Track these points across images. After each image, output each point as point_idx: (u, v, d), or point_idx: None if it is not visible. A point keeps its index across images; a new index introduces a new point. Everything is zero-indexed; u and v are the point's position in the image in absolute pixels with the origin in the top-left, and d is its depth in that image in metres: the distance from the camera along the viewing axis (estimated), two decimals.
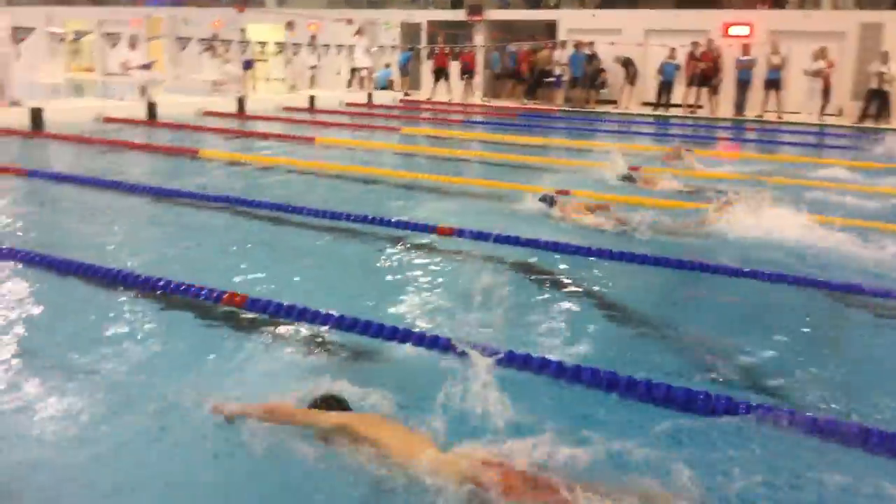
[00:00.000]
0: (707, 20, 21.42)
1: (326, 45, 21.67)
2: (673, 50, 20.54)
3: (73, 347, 3.89)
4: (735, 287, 5.35)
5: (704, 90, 20.39)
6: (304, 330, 4.17)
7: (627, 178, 9.04)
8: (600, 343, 4.25)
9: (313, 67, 22.05)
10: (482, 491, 2.60)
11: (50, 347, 3.92)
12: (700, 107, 20.59)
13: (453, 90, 23.18)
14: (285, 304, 4.38)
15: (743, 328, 4.65)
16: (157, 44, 23.96)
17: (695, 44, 20.24)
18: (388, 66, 24.06)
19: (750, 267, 5.50)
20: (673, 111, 20.75)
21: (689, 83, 20.48)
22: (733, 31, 21.32)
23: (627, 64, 21.46)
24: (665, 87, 20.86)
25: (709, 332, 4.57)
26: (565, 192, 7.87)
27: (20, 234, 6.14)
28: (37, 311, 4.43)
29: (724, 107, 20.16)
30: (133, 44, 16.20)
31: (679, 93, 20.86)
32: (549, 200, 7.25)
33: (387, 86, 23.92)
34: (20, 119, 12.62)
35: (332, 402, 3.06)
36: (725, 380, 3.81)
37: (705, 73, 20.11)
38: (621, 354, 4.13)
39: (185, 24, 27.51)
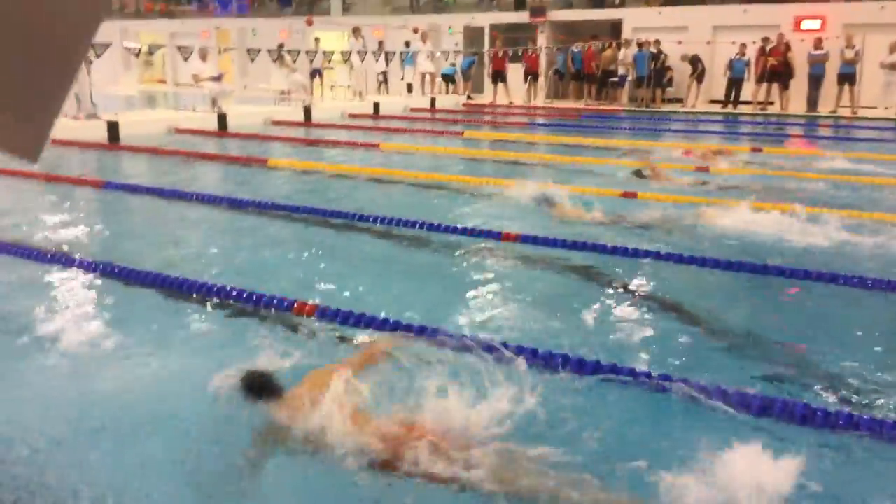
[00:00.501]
0: (777, 15, 20.89)
1: (392, 52, 21.90)
2: (743, 46, 20.08)
3: (140, 356, 4.00)
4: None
5: (775, 86, 19.88)
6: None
7: (639, 175, 9.43)
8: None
9: (383, 73, 22.34)
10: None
11: (117, 355, 4.04)
12: (771, 103, 20.09)
13: (511, 93, 23.11)
14: (355, 312, 4.43)
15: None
16: (227, 55, 24.56)
17: (765, 39, 19.75)
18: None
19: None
20: (742, 108, 20.29)
21: (760, 80, 19.99)
22: (805, 25, 20.75)
23: (695, 61, 21.06)
24: (734, 84, 20.41)
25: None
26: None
27: (97, 245, 6.36)
28: (107, 319, 4.57)
29: (797, 103, 19.60)
30: (204, 56, 16.62)
31: (748, 90, 20.38)
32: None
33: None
34: (98, 132, 13.10)
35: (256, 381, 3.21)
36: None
37: (776, 69, 19.59)
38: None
39: (253, 34, 28.15)
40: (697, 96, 21.36)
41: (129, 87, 27.20)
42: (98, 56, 13.42)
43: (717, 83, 21.39)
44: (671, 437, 3.18)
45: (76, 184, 9.09)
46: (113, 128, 13.29)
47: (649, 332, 4.44)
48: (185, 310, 4.73)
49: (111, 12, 33.44)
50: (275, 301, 4.66)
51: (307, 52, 17.98)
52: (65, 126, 13.19)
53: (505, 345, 3.76)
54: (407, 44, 22.57)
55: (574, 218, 7.16)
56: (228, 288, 4.88)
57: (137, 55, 20.19)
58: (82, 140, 12.58)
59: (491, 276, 5.50)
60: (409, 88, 22.83)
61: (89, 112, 13.83)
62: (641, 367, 3.75)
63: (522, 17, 25.03)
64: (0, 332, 4.40)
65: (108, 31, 27.13)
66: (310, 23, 18.76)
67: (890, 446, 3.13)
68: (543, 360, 3.79)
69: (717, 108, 20.69)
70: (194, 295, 4.90)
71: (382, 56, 22.05)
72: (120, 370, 3.82)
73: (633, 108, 21.37)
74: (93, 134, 13.01)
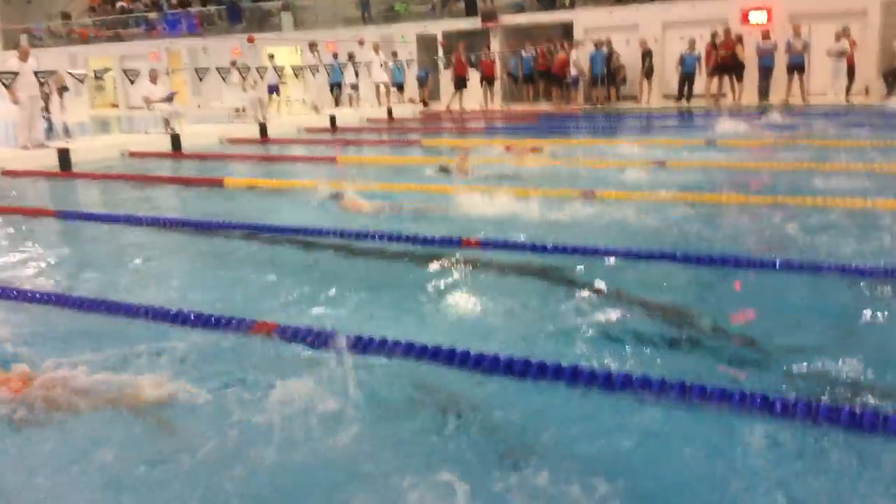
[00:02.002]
0: (725, 8, 21.23)
1: (347, 63, 21.83)
2: (692, 41, 20.36)
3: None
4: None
5: (727, 79, 20.18)
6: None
7: (444, 170, 9.67)
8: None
9: (354, 87, 22.28)
10: None
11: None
12: (724, 95, 20.35)
13: (467, 98, 23.17)
14: (315, 329, 4.34)
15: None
16: (179, 75, 24.28)
17: (714, 33, 20.03)
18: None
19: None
20: (696, 102, 20.54)
21: (711, 73, 20.26)
22: (752, 17, 21.10)
23: (646, 55, 21.32)
24: (686, 78, 20.66)
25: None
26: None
27: (49, 275, 6.19)
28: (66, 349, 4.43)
29: (749, 94, 19.89)
30: (154, 77, 16.39)
31: (700, 84, 20.65)
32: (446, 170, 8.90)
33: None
34: (48, 160, 12.83)
35: None
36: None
37: (726, 62, 19.87)
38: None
39: (204, 53, 27.87)
40: (650, 92, 21.59)
41: (79, 113, 26.67)
42: (42, 84, 13.12)
43: (669, 79, 21.64)
44: None
45: (27, 214, 8.87)
46: (64, 155, 13.01)
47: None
48: (145, 336, 4.59)
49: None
50: (233, 322, 4.55)
51: (258, 69, 17.79)
52: (15, 156, 12.92)
53: None
54: (350, 55, 22.46)
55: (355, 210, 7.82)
56: (186, 311, 4.76)
57: (83, 81, 19.79)
58: (33, 169, 12.31)
59: (455, 282, 5.46)
60: (339, 101, 22.75)
61: (38, 142, 13.55)
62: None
63: (474, 23, 25.12)
64: None
65: (56, 57, 26.73)
66: (251, 40, 18.61)
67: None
68: None
69: (671, 103, 20.91)
70: (152, 321, 4.77)
71: (350, 68, 21.95)
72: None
73: (588, 108, 21.53)
74: (43, 162, 12.74)
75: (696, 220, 7.09)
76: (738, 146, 12.40)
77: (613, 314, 4.63)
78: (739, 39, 19.86)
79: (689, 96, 20.68)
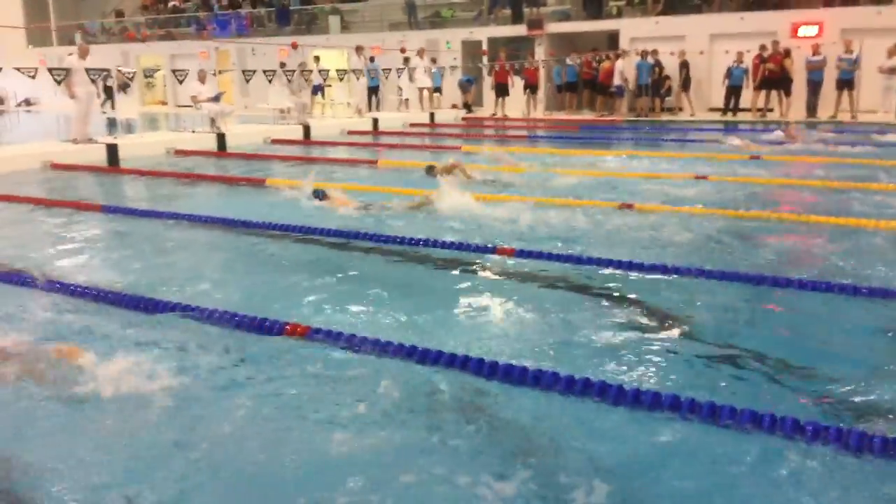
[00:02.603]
0: (774, 22, 20.93)
1: (388, 69, 21.98)
2: (740, 54, 20.13)
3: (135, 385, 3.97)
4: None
5: (774, 93, 19.90)
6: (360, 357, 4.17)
7: (320, 197, 8.93)
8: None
9: (429, 89, 22.47)
10: None
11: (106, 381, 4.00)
12: (771, 110, 20.07)
13: (511, 105, 23.17)
14: (346, 333, 4.39)
15: None
16: (226, 75, 24.66)
17: (762, 46, 19.76)
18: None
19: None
20: (742, 116, 20.29)
21: (758, 87, 20.00)
22: (802, 31, 20.75)
23: (683, 66, 21.17)
24: (733, 91, 20.42)
25: None
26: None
27: (95, 270, 6.34)
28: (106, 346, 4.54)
29: (796, 109, 19.57)
30: (202, 77, 16.68)
31: (747, 97, 20.40)
32: (319, 195, 8.59)
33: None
34: (97, 155, 13.13)
35: None
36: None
37: (774, 76, 19.60)
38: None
39: (252, 53, 28.26)
40: (692, 104, 21.40)
41: (130, 110, 27.26)
42: (93, 81, 13.45)
43: (716, 91, 21.41)
44: None
45: (73, 207, 9.09)
46: (112, 150, 13.31)
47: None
48: (189, 334, 4.68)
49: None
50: (266, 323, 4.62)
51: (303, 71, 18.00)
52: (64, 150, 13.25)
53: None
54: (406, 60, 22.65)
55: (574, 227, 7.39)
56: (222, 310, 4.85)
57: (131, 79, 20.25)
58: (81, 163, 12.62)
59: (488, 292, 5.46)
60: (400, 104, 22.85)
61: (89, 137, 13.88)
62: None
63: (520, 30, 25.10)
64: None
65: (108, 55, 27.32)
66: (294, 46, 18.83)
67: None
68: None
69: (717, 116, 20.68)
70: (187, 317, 4.87)
71: (394, 72, 22.13)
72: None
73: (632, 118, 21.38)
74: (91, 157, 13.04)
75: (735, 236, 7.02)
76: (784, 161, 12.22)
77: (646, 330, 4.60)
78: (788, 53, 19.56)
79: (736, 109, 20.42)
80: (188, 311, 4.92)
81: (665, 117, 21.22)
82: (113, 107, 26.60)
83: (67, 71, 13.37)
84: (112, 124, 21.63)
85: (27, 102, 34.45)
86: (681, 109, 21.89)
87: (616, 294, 5.33)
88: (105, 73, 13.86)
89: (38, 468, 3.15)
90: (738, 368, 4.05)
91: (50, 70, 12.96)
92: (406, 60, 22.55)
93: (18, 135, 22.06)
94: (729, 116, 20.29)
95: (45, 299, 5.33)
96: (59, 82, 13.11)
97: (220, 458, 3.19)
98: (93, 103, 14.24)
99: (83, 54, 13.88)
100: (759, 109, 20.12)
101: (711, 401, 3.43)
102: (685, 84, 21.29)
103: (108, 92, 26.51)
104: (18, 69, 12.31)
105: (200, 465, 3.14)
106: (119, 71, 17.95)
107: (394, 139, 17.23)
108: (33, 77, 12.63)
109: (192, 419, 3.52)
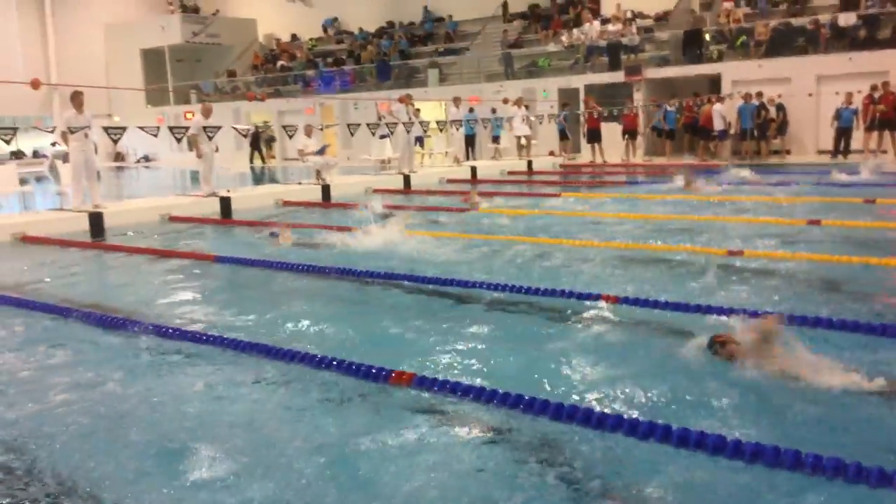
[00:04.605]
0: (884, 61, 20.18)
1: (486, 119, 22.30)
2: (849, 95, 19.47)
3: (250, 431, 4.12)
4: None
5: (887, 135, 19.11)
6: (472, 409, 4.20)
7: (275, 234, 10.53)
8: None
9: (526, 137, 22.77)
10: None
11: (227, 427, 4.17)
12: (884, 152, 19.25)
13: (605, 152, 23.04)
14: (451, 381, 4.44)
15: None
16: (330, 129, 25.57)
17: (873, 87, 19.07)
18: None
19: None
20: (853, 158, 19.53)
21: (869, 128, 19.25)
22: None
23: (779, 109, 20.68)
24: (843, 133, 19.72)
25: None
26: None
27: (208, 317, 6.64)
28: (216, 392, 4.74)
29: None
30: (308, 132, 17.36)
31: (858, 139, 19.66)
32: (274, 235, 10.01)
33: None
34: (212, 207, 13.84)
35: None
36: None
37: (886, 117, 18.83)
38: None
39: (354, 108, 29.24)
40: (784, 147, 20.91)
41: (240, 165, 28.56)
42: (210, 138, 14.22)
43: (824, 133, 20.73)
44: None
45: (188, 258, 9.57)
46: (225, 203, 13.99)
47: None
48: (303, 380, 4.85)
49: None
50: (373, 370, 4.73)
51: (404, 123, 18.47)
52: (179, 203, 14.02)
53: None
54: (493, 110, 22.96)
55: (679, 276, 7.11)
56: (329, 358, 4.99)
57: (246, 136, 21.33)
58: (196, 216, 13.29)
59: (594, 340, 5.42)
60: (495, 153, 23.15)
61: (211, 191, 14.61)
62: None
63: (618, 76, 25.06)
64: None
65: (222, 113, 28.85)
66: (402, 100, 19.35)
67: None
68: None
69: (826, 158, 19.98)
70: (298, 364, 5.04)
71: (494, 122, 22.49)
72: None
73: (737, 162, 20.89)
74: (206, 209, 13.74)
75: (851, 283, 6.74)
76: None
77: (759, 380, 4.46)
78: None
79: (847, 152, 19.68)
80: (298, 358, 5.10)
81: (773, 160, 20.64)
82: (263, 160, 28.52)
83: (185, 129, 14.22)
84: (261, 175, 22.79)
85: (146, 159, 36.63)
86: (788, 152, 21.28)
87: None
88: (248, 129, 14.67)
89: None
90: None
91: (170, 128, 13.79)
92: (493, 111, 22.80)
93: (138, 189, 23.45)
94: (840, 159, 19.55)
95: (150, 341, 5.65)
96: (178, 140, 13.92)
97: None
98: (214, 159, 15.02)
99: (206, 114, 14.74)
100: (872, 151, 19.32)
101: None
102: (781, 128, 20.77)
103: (256, 145, 28.79)
104: (142, 128, 13.11)
105: None
106: (263, 128, 19.15)
107: (492, 187, 17.38)
108: (155, 136, 13.44)
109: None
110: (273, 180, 22.09)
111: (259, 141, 29.50)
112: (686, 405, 4.13)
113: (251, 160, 29.55)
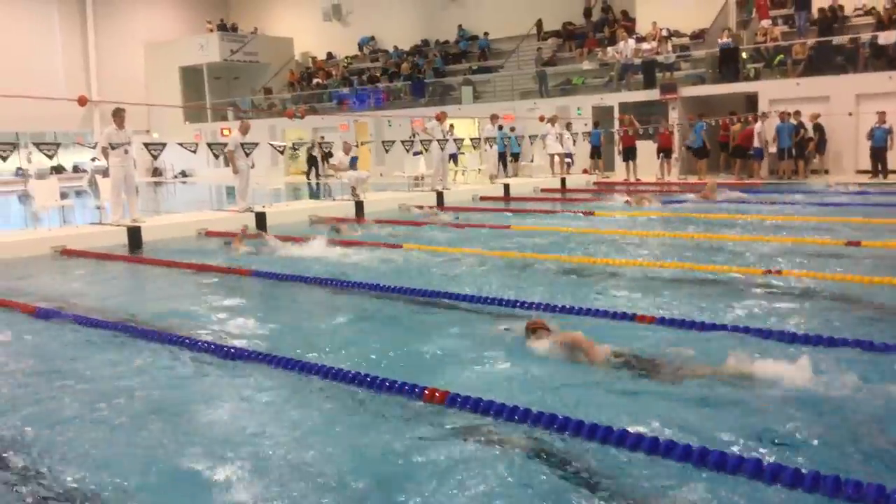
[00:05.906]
0: None
1: (521, 136, 22.32)
2: (882, 114, 19.15)
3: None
4: None
5: None
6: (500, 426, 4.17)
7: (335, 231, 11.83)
8: None
9: (560, 155, 22.86)
10: None
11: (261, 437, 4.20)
12: None
13: (639, 170, 22.93)
14: (484, 400, 4.43)
15: None
16: (365, 146, 25.75)
17: None
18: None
19: None
20: (894, 178, 19.20)
21: None
22: None
23: (816, 129, 20.44)
24: (877, 153, 19.39)
25: None
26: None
27: (241, 330, 6.70)
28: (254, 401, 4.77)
29: None
30: (346, 149, 17.51)
31: (893, 158, 19.33)
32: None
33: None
34: (248, 223, 13.94)
35: None
36: None
37: None
38: None
39: (388, 125, 29.43)
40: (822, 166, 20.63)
41: (276, 180, 28.88)
42: (247, 154, 14.40)
43: (863, 153, 20.42)
44: None
45: (224, 272, 9.67)
46: (261, 218, 14.13)
47: None
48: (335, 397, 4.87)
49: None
50: (406, 387, 4.73)
51: (438, 140, 18.54)
52: (215, 218, 14.18)
53: None
54: (512, 129, 23.02)
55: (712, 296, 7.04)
56: (363, 374, 5.01)
57: (282, 152, 21.57)
58: (231, 231, 13.42)
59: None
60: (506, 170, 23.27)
61: (247, 207, 14.77)
62: None
63: (653, 94, 24.93)
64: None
65: (258, 129, 29.22)
66: (439, 118, 19.43)
67: None
68: None
69: (865, 178, 19.65)
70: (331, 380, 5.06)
71: (526, 140, 22.49)
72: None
73: (774, 181, 20.64)
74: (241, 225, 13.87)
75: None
76: None
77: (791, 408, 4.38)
78: None
79: (886, 172, 19.34)
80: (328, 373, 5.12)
81: (811, 180, 20.36)
82: (318, 175, 28.76)
83: (223, 146, 14.44)
84: (317, 190, 23.00)
85: (183, 174, 37.18)
86: (826, 172, 20.98)
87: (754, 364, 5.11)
88: (256, 146, 14.82)
89: None
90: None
91: (209, 145, 14.00)
92: (511, 128, 22.84)
93: (175, 204, 23.81)
94: (879, 179, 19.21)
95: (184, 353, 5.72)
96: (216, 156, 14.12)
97: None
98: (250, 175, 15.19)
99: (244, 130, 14.95)
100: None
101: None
102: (819, 146, 20.51)
103: (313, 161, 28.87)
104: (181, 144, 13.32)
105: None
106: (320, 143, 19.39)
107: (525, 205, 17.37)
108: (194, 152, 13.65)
109: None
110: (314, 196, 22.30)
111: (315, 156, 29.28)
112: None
113: (307, 176, 29.60)
